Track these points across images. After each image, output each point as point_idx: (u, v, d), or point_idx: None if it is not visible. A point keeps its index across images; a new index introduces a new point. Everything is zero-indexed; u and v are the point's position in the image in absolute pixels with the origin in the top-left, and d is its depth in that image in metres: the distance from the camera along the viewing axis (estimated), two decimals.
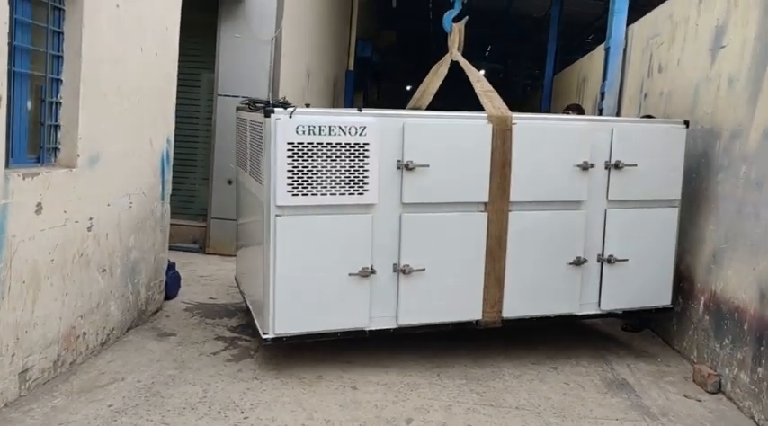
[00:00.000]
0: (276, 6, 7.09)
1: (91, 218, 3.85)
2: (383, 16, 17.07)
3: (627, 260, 4.45)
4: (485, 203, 4.16)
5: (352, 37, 11.77)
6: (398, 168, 3.97)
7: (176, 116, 5.12)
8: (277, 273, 3.86)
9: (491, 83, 4.46)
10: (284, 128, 3.75)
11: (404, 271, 4.04)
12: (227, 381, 3.82)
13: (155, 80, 4.57)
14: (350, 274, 3.95)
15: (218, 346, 4.39)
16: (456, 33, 4.59)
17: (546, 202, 4.30)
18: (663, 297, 4.62)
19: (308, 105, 4.12)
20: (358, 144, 3.87)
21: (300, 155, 3.79)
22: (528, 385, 4.05)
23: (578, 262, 4.35)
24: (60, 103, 3.62)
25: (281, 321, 3.90)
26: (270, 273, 3.86)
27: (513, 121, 4.16)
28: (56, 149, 3.64)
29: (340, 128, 3.83)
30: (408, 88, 29.19)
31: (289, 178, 3.78)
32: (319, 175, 3.84)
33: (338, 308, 4.00)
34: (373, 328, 4.09)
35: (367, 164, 3.90)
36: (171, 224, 5.41)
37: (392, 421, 3.47)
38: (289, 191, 3.80)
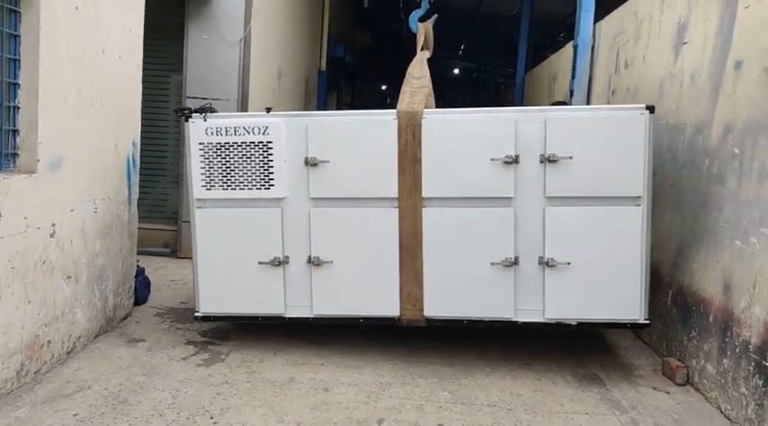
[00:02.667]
0: (244, 6, 7.04)
1: (54, 224, 3.78)
2: (356, 17, 17.03)
3: (569, 263, 4.04)
4: (395, 199, 4.15)
5: (323, 37, 11.71)
6: (305, 165, 4.19)
7: (145, 119, 5.06)
8: (199, 259, 4.34)
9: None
10: (195, 131, 4.24)
11: (314, 263, 4.24)
12: (197, 386, 3.78)
13: (119, 82, 4.50)
14: (260, 263, 4.27)
15: (188, 351, 4.34)
16: (421, 33, 4.59)
17: (465, 198, 4.11)
18: (630, 310, 4.07)
19: (268, 109, 4.34)
20: (262, 142, 4.19)
21: (211, 153, 4.24)
22: (500, 382, 4.07)
23: (508, 264, 4.08)
24: (18, 108, 3.55)
25: (206, 302, 4.40)
26: (195, 259, 4.35)
27: (423, 116, 4.10)
28: (15, 154, 3.56)
29: (244, 128, 4.21)
30: (384, 88, 29.22)
31: (202, 174, 4.26)
32: (229, 171, 4.25)
33: (255, 294, 4.34)
34: (291, 316, 4.36)
35: (271, 160, 4.21)
36: (142, 228, 5.35)
37: (363, 421, 3.45)
38: (203, 186, 4.27)
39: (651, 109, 3.99)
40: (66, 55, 3.79)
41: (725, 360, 3.71)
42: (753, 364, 3.42)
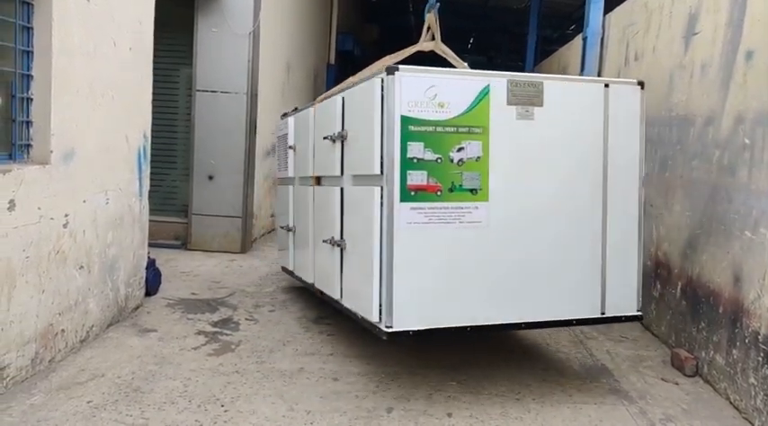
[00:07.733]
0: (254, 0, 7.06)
1: (67, 215, 3.82)
2: (365, 11, 17.03)
3: (341, 247, 3.91)
4: (313, 178, 4.73)
5: (332, 30, 11.74)
6: (290, 150, 5.25)
7: (155, 112, 5.10)
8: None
9: None
10: (276, 128, 5.92)
11: (292, 231, 5.26)
12: (208, 375, 3.82)
13: (129, 75, 4.54)
14: (281, 227, 5.57)
15: (199, 341, 4.39)
16: (426, 23, 4.63)
17: (325, 177, 4.49)
18: (372, 311, 3.45)
19: (296, 109, 5.49)
20: (286, 134, 5.33)
21: (278, 143, 5.73)
22: (507, 372, 4.08)
23: (332, 243, 4.03)
24: (32, 99, 3.58)
25: (278, 257, 6.13)
26: None
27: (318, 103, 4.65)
28: (28, 145, 3.60)
29: (281, 125, 5.54)
30: None
31: (277, 159, 5.75)
32: (279, 157, 5.61)
33: (288, 252, 5.44)
34: (295, 273, 5.31)
35: (286, 148, 5.32)
36: (152, 221, 5.41)
37: (373, 410, 3.48)
38: (278, 168, 5.73)
39: (390, 70, 3.29)
40: (78, 47, 3.82)
41: (734, 351, 3.71)
42: (762, 355, 3.42)
